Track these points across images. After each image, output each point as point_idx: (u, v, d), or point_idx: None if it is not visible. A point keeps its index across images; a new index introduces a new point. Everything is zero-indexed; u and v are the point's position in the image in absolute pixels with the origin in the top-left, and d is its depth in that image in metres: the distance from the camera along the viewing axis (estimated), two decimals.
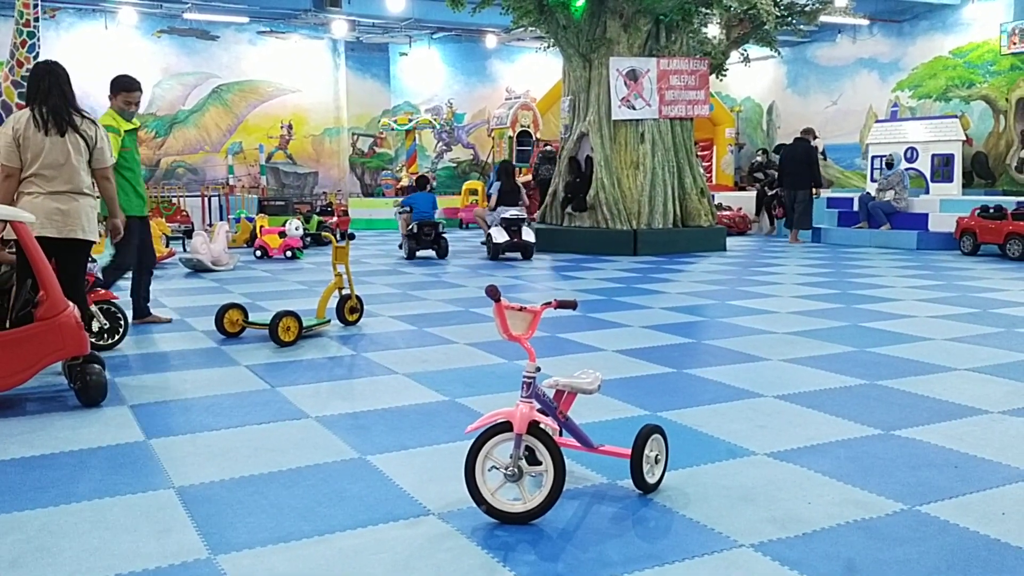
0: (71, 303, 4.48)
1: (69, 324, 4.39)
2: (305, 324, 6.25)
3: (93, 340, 5.69)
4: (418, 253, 12.38)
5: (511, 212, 12.34)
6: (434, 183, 16.07)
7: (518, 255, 12.29)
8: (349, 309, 6.82)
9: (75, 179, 4.90)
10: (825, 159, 20.73)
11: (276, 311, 6.20)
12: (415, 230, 12.31)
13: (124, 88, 6.54)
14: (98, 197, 5.18)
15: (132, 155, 6.56)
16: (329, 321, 6.65)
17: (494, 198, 12.93)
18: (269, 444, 3.81)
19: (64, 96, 4.90)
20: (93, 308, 5.81)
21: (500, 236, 12.07)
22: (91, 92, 19.50)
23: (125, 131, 6.46)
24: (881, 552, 2.70)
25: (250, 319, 6.41)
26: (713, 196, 15.05)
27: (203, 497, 3.19)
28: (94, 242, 5.11)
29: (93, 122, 5.05)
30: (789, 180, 14.84)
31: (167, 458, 3.63)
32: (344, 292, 6.79)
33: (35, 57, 11.87)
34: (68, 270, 4.84)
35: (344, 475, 3.42)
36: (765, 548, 2.74)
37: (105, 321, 5.91)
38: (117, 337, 6.00)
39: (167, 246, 12.20)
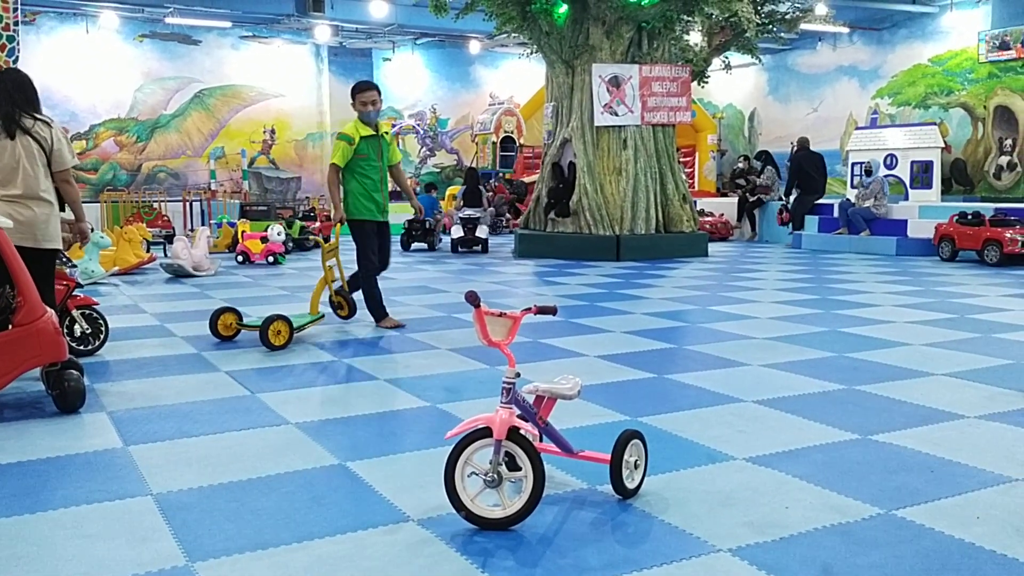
0: (49, 309, 4.45)
1: (47, 330, 4.36)
2: (298, 323, 6.33)
3: (74, 345, 5.70)
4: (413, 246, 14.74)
5: (467, 212, 14.35)
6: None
7: (478, 248, 14.12)
8: (338, 304, 6.99)
9: (29, 183, 4.78)
10: None
11: (267, 314, 6.18)
12: (406, 226, 14.55)
13: (356, 91, 6.70)
14: (55, 201, 5.03)
15: (368, 162, 6.68)
16: (323, 316, 6.74)
17: (459, 200, 15.04)
18: (248, 451, 3.80)
19: (12, 101, 4.76)
20: (75, 313, 5.79)
21: (457, 232, 14.15)
22: (72, 96, 19.40)
23: (361, 137, 6.62)
24: (857, 556, 2.73)
25: (244, 321, 6.45)
26: (695, 202, 15.12)
27: (181, 504, 3.18)
28: (56, 250, 5.00)
29: (47, 124, 4.89)
30: (813, 184, 15.63)
31: (145, 465, 3.61)
32: (336, 284, 6.95)
33: (15, 61, 11.76)
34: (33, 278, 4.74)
35: (323, 481, 3.41)
36: (743, 553, 2.75)
37: (87, 326, 5.88)
38: (98, 342, 5.97)
39: (148, 251, 12.13)
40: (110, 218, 16.27)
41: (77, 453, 3.79)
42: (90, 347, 5.90)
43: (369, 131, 6.69)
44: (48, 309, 4.45)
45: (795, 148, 16.79)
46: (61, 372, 4.42)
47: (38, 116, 4.88)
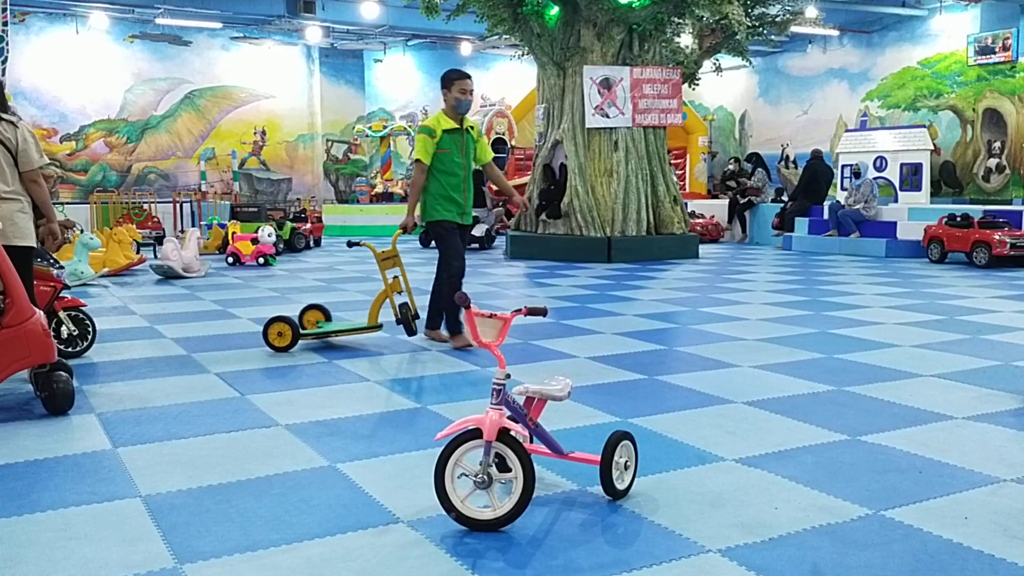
0: (37, 310, 4.42)
1: (35, 331, 4.33)
2: (353, 325, 6.28)
3: (61, 347, 5.65)
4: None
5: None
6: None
7: (476, 245, 14.74)
8: (403, 321, 6.21)
9: None
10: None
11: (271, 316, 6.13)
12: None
13: (452, 79, 6.13)
14: (24, 199, 4.97)
15: (451, 157, 6.09)
16: (381, 326, 6.31)
17: None
18: (238, 452, 3.79)
19: None
20: (62, 315, 5.75)
21: None
22: (62, 97, 19.34)
23: (444, 131, 6.06)
24: (846, 557, 2.74)
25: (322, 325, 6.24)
26: (686, 204, 15.15)
27: (170, 506, 3.17)
28: (28, 247, 4.90)
29: (13, 124, 4.81)
30: (818, 194, 15.95)
31: (134, 467, 3.60)
32: (401, 299, 6.28)
33: (4, 62, 11.73)
34: None
35: (313, 483, 3.41)
36: (732, 553, 2.76)
37: (74, 328, 5.85)
38: (86, 344, 5.94)
39: (137, 252, 12.09)
40: (100, 219, 16.21)
41: (66, 455, 3.77)
42: (77, 349, 5.87)
43: (452, 124, 6.11)
44: (36, 310, 4.42)
45: (809, 156, 16.95)
46: (50, 374, 4.39)
47: (4, 116, 4.80)
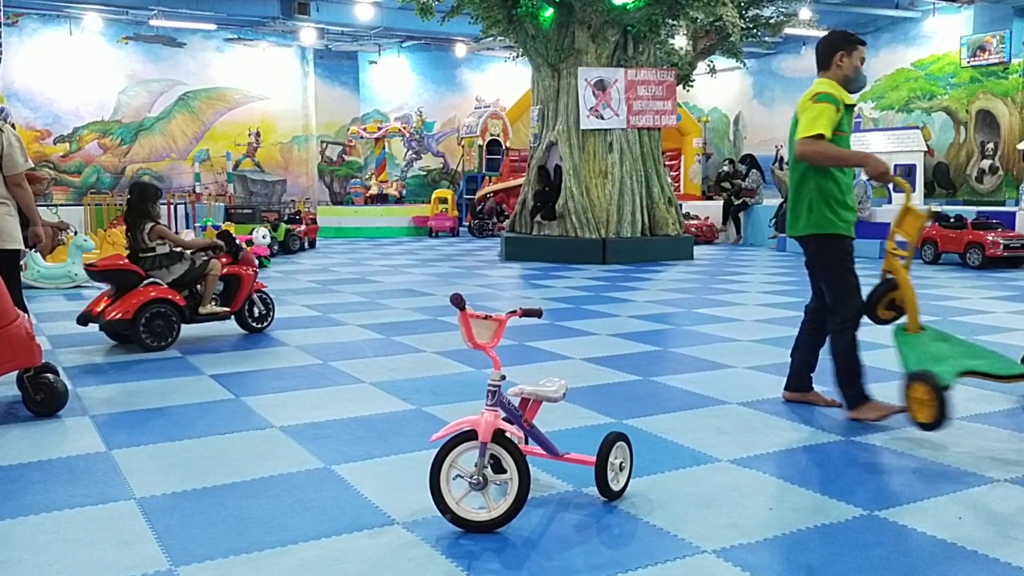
0: (23, 313, 4.38)
1: (19, 335, 4.27)
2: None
3: (252, 324, 6.72)
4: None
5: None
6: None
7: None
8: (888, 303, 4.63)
9: None
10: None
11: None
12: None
13: (849, 42, 4.36)
14: (10, 203, 4.93)
15: (846, 143, 4.41)
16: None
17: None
18: (232, 454, 3.78)
19: None
20: (254, 296, 6.67)
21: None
22: (55, 98, 19.30)
23: (845, 106, 4.31)
24: (840, 557, 2.74)
25: None
26: (681, 205, 15.17)
27: (164, 508, 3.16)
28: (15, 251, 4.90)
29: None
30: None
31: (128, 469, 3.59)
32: (889, 277, 4.63)
33: None
34: None
35: (308, 485, 3.40)
36: (727, 554, 2.76)
37: (263, 307, 6.78)
38: (267, 322, 6.85)
39: None
40: (94, 221, 16.17)
41: (59, 457, 3.76)
42: (263, 325, 6.81)
43: (851, 99, 4.38)
44: (21, 313, 4.38)
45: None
46: (37, 376, 4.35)
47: None
